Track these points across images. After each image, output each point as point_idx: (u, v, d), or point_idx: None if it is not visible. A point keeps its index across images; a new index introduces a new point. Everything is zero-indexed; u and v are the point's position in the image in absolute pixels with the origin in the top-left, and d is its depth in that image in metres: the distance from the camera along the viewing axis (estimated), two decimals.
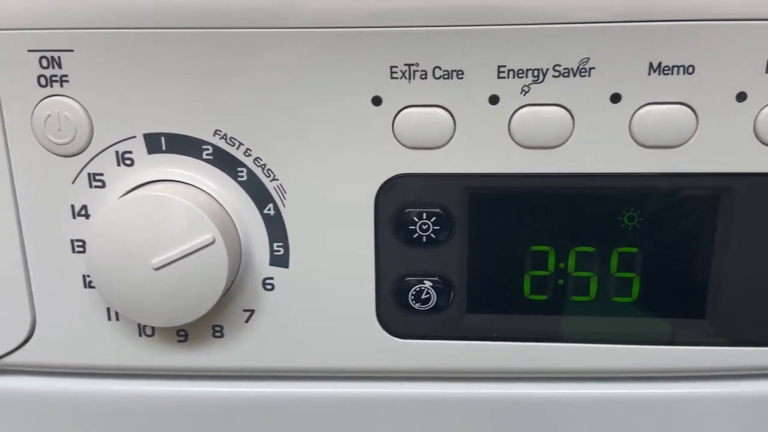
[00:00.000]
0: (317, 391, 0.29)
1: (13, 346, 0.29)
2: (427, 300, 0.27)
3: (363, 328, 0.28)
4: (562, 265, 0.27)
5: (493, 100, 0.25)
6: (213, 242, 0.25)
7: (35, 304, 0.28)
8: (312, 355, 0.28)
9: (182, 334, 0.28)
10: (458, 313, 0.28)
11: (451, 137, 0.25)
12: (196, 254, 0.25)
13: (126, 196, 0.25)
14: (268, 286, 0.28)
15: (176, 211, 0.24)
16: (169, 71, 0.25)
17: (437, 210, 0.26)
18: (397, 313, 0.28)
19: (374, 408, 0.29)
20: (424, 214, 0.26)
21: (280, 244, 0.27)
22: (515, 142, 0.25)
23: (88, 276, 0.28)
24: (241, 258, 0.27)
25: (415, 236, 0.27)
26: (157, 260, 0.24)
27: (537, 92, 0.25)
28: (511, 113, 0.25)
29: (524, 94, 0.25)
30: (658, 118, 0.25)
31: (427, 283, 0.27)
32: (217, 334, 0.28)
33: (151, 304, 0.25)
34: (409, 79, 0.25)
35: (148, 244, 0.25)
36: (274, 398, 0.29)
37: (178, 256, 0.24)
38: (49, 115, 0.25)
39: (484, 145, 0.25)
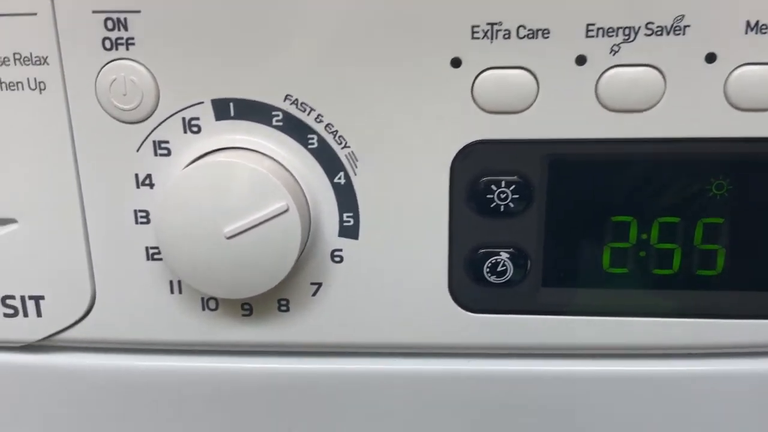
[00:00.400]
0: (385, 367, 0.28)
1: (71, 321, 0.28)
2: (502, 272, 0.27)
3: (434, 301, 0.27)
4: (644, 236, 0.26)
5: (580, 60, 0.24)
6: (287, 210, 0.24)
7: (95, 277, 0.27)
8: (381, 330, 0.27)
9: (247, 308, 0.28)
10: (534, 287, 0.27)
11: (534, 101, 0.24)
12: (269, 223, 0.24)
13: (197, 162, 0.24)
14: (337, 259, 0.27)
15: (249, 179, 0.24)
16: (239, 33, 0.24)
17: (515, 178, 0.25)
18: (470, 286, 0.27)
19: (444, 385, 0.28)
20: (503, 183, 0.25)
21: (350, 214, 0.26)
22: (602, 105, 0.24)
23: (152, 248, 0.27)
24: (309, 229, 0.26)
25: (491, 206, 0.26)
26: (229, 229, 0.24)
27: (627, 52, 0.23)
28: (599, 74, 0.24)
29: (614, 54, 0.23)
30: (755, 79, 0.23)
31: (504, 255, 0.26)
32: (283, 308, 0.28)
33: (222, 274, 0.24)
34: (491, 39, 0.24)
35: (220, 213, 0.24)
36: (341, 375, 0.28)
37: (251, 225, 0.24)
38: (114, 80, 0.25)
39: (569, 108, 0.24)
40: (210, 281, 0.25)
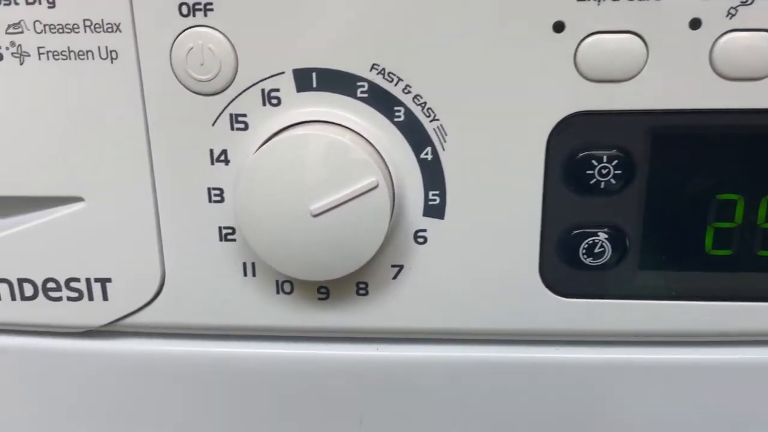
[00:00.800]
0: (470, 355, 0.27)
1: (139, 305, 0.27)
2: (599, 254, 0.25)
3: (523, 285, 0.25)
4: (751, 216, 0.25)
5: (694, 24, 0.22)
6: (376, 186, 0.22)
7: (165, 259, 0.26)
8: (465, 315, 0.26)
9: (323, 292, 0.26)
10: (631, 270, 0.25)
11: (642, 68, 0.22)
12: (358, 200, 0.22)
13: (281, 135, 0.23)
14: (420, 239, 0.25)
15: (338, 153, 0.22)
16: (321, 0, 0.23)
17: (617, 153, 0.24)
18: (562, 269, 0.25)
19: (534, 374, 0.27)
20: (603, 157, 0.24)
21: (437, 192, 0.25)
22: (716, 72, 0.22)
23: (226, 228, 0.26)
24: (394, 207, 0.24)
25: (591, 182, 0.24)
26: (316, 206, 0.22)
27: (745, 15, 0.22)
28: (714, 40, 0.22)
29: (730, 18, 0.22)
30: None
31: (601, 235, 0.25)
32: (362, 291, 0.26)
33: (306, 255, 0.23)
34: (598, 0, 0.22)
35: (306, 189, 0.22)
36: (421, 363, 0.27)
37: (340, 202, 0.22)
38: (191, 48, 0.23)
39: (679, 76, 0.22)
40: (292, 262, 0.23)
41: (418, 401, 0.28)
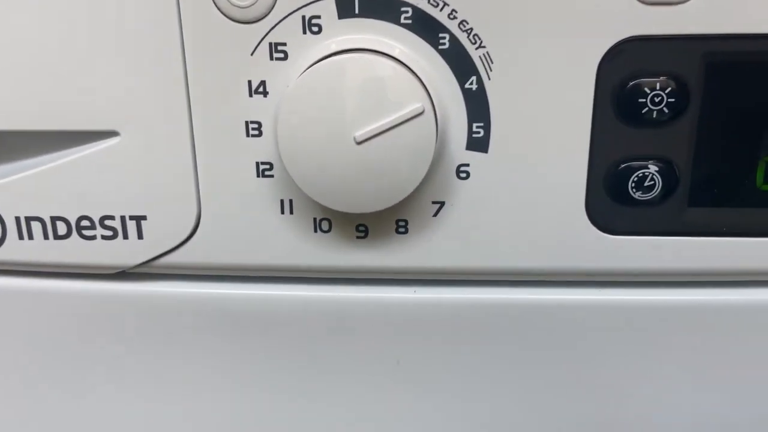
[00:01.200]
0: (509, 297, 0.26)
1: (174, 244, 0.26)
2: (648, 188, 0.24)
3: (569, 222, 0.25)
4: None
5: None
6: (422, 112, 0.22)
7: (201, 196, 0.26)
8: (507, 254, 0.26)
9: (362, 230, 0.26)
10: (680, 205, 0.25)
11: None
12: (403, 126, 0.22)
13: (323, 61, 0.22)
14: (463, 174, 0.25)
15: (383, 79, 0.22)
16: None
17: (671, 81, 0.23)
18: (609, 205, 0.25)
19: (577, 316, 0.26)
20: (656, 85, 0.23)
21: (481, 124, 0.24)
22: None
23: (263, 163, 0.25)
24: (438, 137, 0.24)
25: (641, 112, 0.23)
26: (360, 133, 0.22)
27: None
28: None
29: None
30: None
31: (651, 168, 0.24)
32: (401, 229, 0.26)
33: (349, 185, 0.22)
34: None
35: (350, 116, 0.22)
36: (459, 305, 0.27)
37: (385, 128, 0.22)
38: None
39: None
40: (334, 193, 0.23)
41: (456, 344, 0.28)
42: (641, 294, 0.26)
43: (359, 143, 0.22)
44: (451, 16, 0.23)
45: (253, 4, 0.23)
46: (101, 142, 0.25)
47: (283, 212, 0.26)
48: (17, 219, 0.26)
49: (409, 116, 0.22)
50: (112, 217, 0.26)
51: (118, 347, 0.29)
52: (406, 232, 0.26)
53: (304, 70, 0.23)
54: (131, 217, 0.26)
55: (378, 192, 0.23)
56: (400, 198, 0.23)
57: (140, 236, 0.26)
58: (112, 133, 0.25)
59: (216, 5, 0.23)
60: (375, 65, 0.22)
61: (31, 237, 0.26)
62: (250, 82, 0.24)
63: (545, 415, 0.29)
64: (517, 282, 0.27)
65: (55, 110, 0.25)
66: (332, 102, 0.22)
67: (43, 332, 0.29)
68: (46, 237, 0.26)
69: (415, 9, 0.23)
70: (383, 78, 0.22)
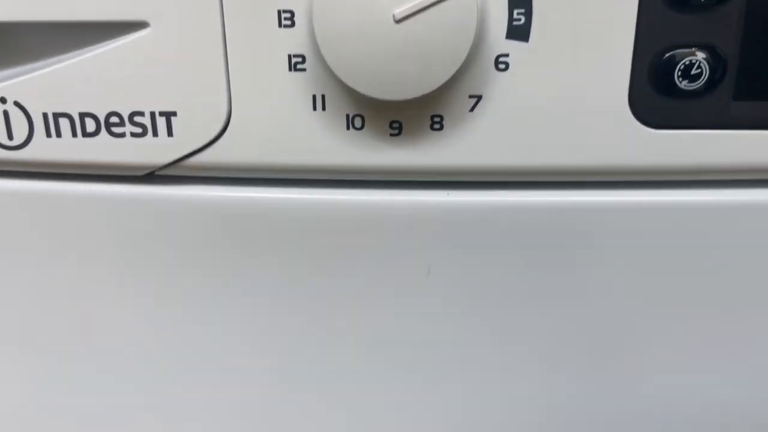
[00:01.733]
0: (546, 200, 0.26)
1: (205, 142, 0.26)
2: (694, 77, 0.24)
3: (611, 116, 0.24)
4: None
5: None
6: None
7: (231, 91, 0.25)
8: (546, 151, 0.25)
9: (395, 126, 0.25)
10: (726, 97, 0.24)
11: None
12: (442, 5, 0.21)
13: None
14: (501, 66, 0.24)
15: None
16: None
17: None
18: (653, 97, 0.24)
19: (619, 217, 0.26)
20: None
21: (521, 11, 0.23)
22: None
23: (296, 56, 0.25)
24: (478, 19, 0.23)
25: None
26: (399, 10, 0.21)
27: None
28: None
29: None
30: None
31: (699, 55, 0.23)
32: (436, 125, 0.25)
33: (388, 67, 0.22)
34: None
35: None
36: (494, 208, 0.26)
37: (425, 5, 0.21)
38: None
39: None
40: (372, 76, 0.22)
41: (491, 250, 0.27)
42: (686, 195, 0.26)
43: (398, 21, 0.21)
44: None
45: None
46: (131, 34, 0.25)
47: (315, 108, 0.25)
48: (44, 115, 0.26)
49: None
50: (141, 113, 0.26)
51: (144, 252, 0.29)
52: (441, 128, 0.25)
53: None
54: (161, 113, 0.26)
55: (417, 75, 0.22)
56: (440, 82, 0.22)
57: (170, 134, 0.26)
58: (141, 24, 0.25)
59: None
60: None
61: (59, 135, 0.26)
62: None
63: (585, 321, 0.28)
64: (555, 184, 0.26)
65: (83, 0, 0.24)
66: None
67: (73, 236, 0.29)
68: (74, 134, 0.26)
69: None
70: None
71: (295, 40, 0.24)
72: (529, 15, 0.23)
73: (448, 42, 0.21)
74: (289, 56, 0.25)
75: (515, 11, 0.23)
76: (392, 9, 0.21)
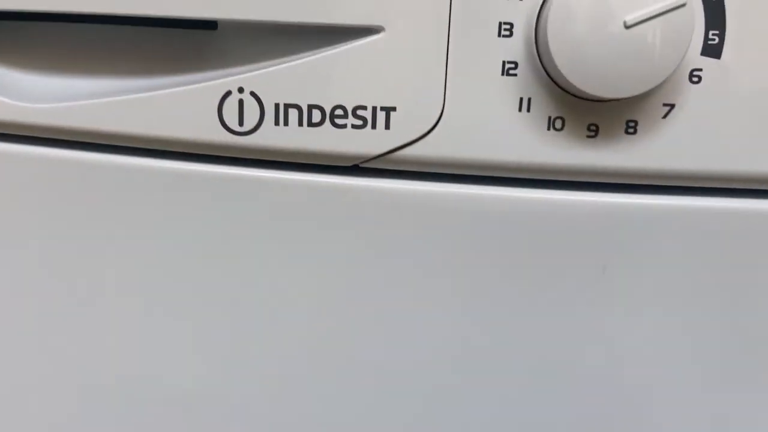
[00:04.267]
0: (728, 206, 0.29)
1: (417, 136, 0.29)
2: None
3: None
4: None
5: None
6: (684, 4, 0.25)
7: (447, 90, 0.29)
8: (734, 158, 0.28)
9: (592, 129, 0.29)
10: None
11: None
12: (666, 16, 0.25)
13: None
14: (695, 79, 0.28)
15: None
16: None
17: None
18: None
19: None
20: None
21: (716, 32, 0.27)
22: None
23: (509, 62, 0.28)
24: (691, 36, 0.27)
25: None
26: (631, 17, 0.25)
27: None
28: None
29: None
30: None
31: None
32: (630, 129, 0.29)
33: (611, 67, 0.26)
34: None
35: (621, 2, 0.25)
36: (676, 211, 0.29)
37: (653, 14, 0.25)
38: None
39: None
40: (601, 76, 0.26)
41: (670, 252, 0.30)
42: None
43: (628, 27, 0.25)
44: None
45: None
46: (366, 37, 0.29)
47: (520, 110, 0.29)
48: (276, 105, 0.29)
49: (674, 6, 0.25)
50: (364, 107, 0.29)
51: (347, 244, 0.31)
52: (635, 132, 0.29)
53: None
54: (382, 108, 0.29)
55: (640, 74, 0.26)
56: (651, 85, 0.26)
57: (387, 126, 0.29)
58: (377, 29, 0.28)
59: None
60: None
61: (286, 123, 0.30)
62: None
63: None
64: (738, 191, 0.29)
65: (321, 4, 0.28)
66: None
67: (281, 225, 0.31)
68: (300, 124, 0.30)
69: None
70: None
71: (510, 49, 0.28)
72: (722, 36, 0.27)
73: (668, 46, 0.26)
74: (503, 62, 0.29)
75: (710, 32, 0.27)
76: (623, 17, 0.25)
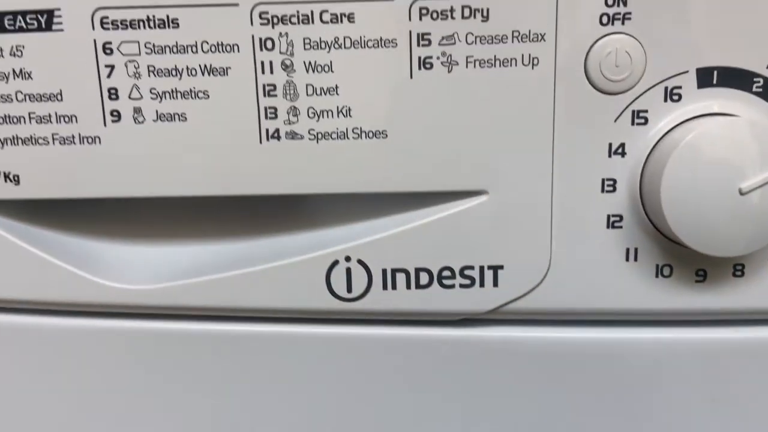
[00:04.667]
0: None
1: (525, 291, 0.30)
2: None
3: None
4: None
5: None
6: None
7: (552, 246, 0.29)
8: None
9: (701, 275, 0.29)
10: None
11: None
12: None
13: (715, 118, 0.26)
14: None
15: (761, 137, 0.26)
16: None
17: None
18: None
19: None
20: None
21: None
22: None
23: (614, 216, 0.29)
24: None
25: None
26: (746, 185, 0.25)
27: None
28: None
29: None
30: None
31: None
32: (738, 272, 0.29)
33: (729, 231, 0.26)
34: None
35: (735, 170, 0.26)
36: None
37: (764, 182, 0.25)
38: (608, 53, 0.27)
39: None
40: (713, 239, 0.27)
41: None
42: None
43: (744, 194, 0.25)
44: None
45: (624, 79, 0.27)
46: (469, 199, 0.29)
47: (627, 260, 0.29)
48: (383, 271, 0.30)
49: None
50: (471, 267, 0.30)
51: (457, 391, 0.32)
52: (742, 275, 0.29)
53: (663, 135, 0.27)
54: (489, 267, 0.30)
55: (752, 236, 0.26)
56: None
57: (495, 284, 0.30)
58: (481, 192, 0.29)
59: (589, 80, 0.27)
60: (760, 123, 0.26)
61: (394, 287, 0.30)
62: (610, 144, 0.28)
63: None
64: None
65: (431, 174, 0.29)
66: (721, 157, 0.26)
67: (376, 378, 0.32)
68: (408, 287, 0.30)
69: (765, 79, 0.27)
70: (762, 136, 0.26)
71: (615, 203, 0.29)
72: None
73: None
74: (608, 216, 0.29)
75: None
76: (738, 183, 0.26)
